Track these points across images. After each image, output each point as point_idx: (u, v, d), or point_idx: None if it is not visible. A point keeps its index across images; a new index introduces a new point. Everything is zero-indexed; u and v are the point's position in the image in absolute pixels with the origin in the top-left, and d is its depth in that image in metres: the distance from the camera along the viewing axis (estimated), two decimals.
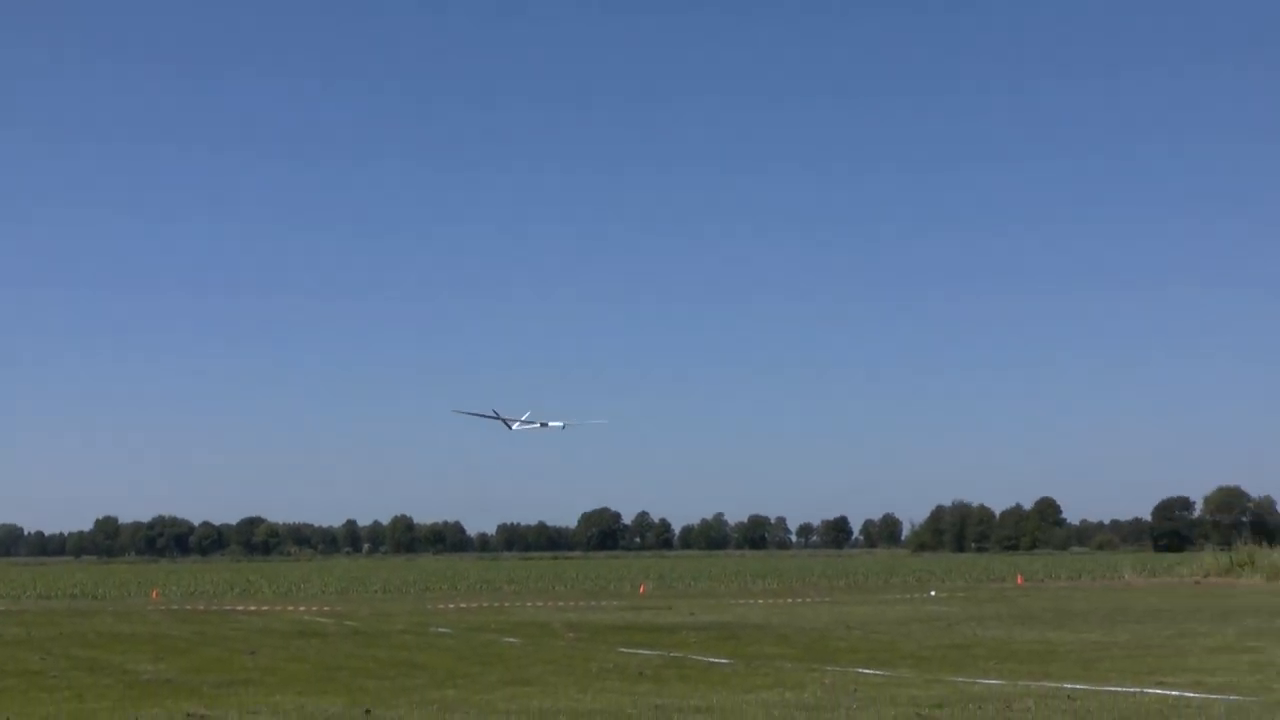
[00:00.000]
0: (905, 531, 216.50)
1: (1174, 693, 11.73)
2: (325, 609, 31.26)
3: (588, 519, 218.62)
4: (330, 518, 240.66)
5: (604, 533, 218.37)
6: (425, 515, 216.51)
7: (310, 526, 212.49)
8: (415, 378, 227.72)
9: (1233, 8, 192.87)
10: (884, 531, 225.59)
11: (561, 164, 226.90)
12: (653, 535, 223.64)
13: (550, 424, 31.29)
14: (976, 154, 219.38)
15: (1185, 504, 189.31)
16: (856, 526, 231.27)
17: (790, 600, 36.02)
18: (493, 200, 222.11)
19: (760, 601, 35.40)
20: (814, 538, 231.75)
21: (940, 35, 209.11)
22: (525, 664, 15.70)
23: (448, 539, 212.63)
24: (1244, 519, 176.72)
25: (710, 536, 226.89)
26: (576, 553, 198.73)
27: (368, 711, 11.26)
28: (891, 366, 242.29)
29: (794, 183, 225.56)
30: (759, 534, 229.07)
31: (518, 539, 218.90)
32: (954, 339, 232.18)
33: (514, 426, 32.13)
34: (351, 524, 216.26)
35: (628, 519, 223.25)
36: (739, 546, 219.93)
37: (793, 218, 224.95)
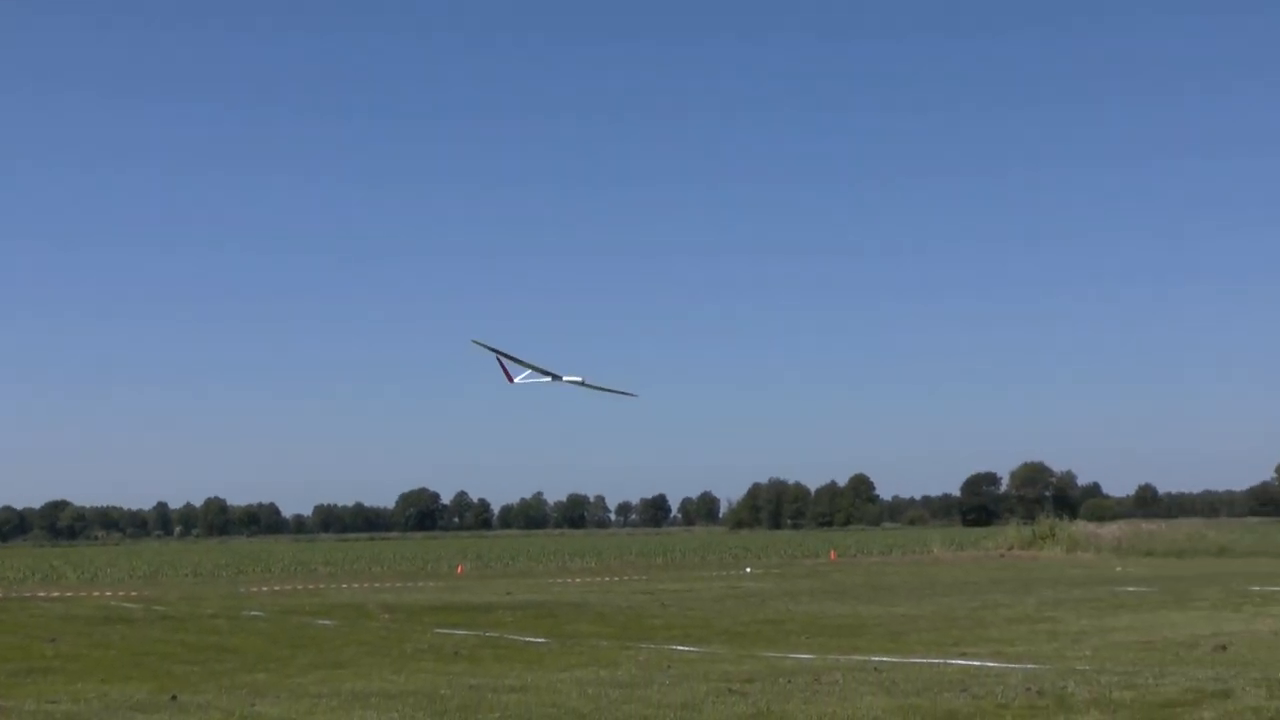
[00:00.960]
0: (723, 509, 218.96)
1: (975, 663, 12.07)
2: (133, 594, 30.52)
3: (406, 499, 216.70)
4: (140, 500, 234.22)
5: (422, 513, 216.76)
6: (239, 497, 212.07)
7: (119, 510, 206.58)
8: (228, 356, 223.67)
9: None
10: (702, 509, 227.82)
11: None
12: (472, 515, 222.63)
13: (566, 378, 28.95)
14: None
15: (992, 479, 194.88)
16: (675, 505, 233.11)
17: (608, 579, 36.21)
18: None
19: (578, 580, 35.52)
20: (633, 516, 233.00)
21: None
22: (339, 646, 15.54)
23: (262, 521, 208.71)
24: (1047, 493, 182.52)
25: (529, 516, 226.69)
26: (394, 534, 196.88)
27: (174, 697, 11.03)
28: (708, 344, 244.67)
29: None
30: (578, 513, 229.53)
31: (334, 520, 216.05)
32: (769, 316, 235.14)
33: (516, 379, 29.99)
34: (162, 506, 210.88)
35: (446, 499, 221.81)
36: (558, 526, 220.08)
37: (582, 178, 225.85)
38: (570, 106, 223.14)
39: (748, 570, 41.26)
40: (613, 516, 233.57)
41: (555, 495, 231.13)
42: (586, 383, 28.51)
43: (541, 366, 28.53)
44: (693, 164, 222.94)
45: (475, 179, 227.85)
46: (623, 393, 27.96)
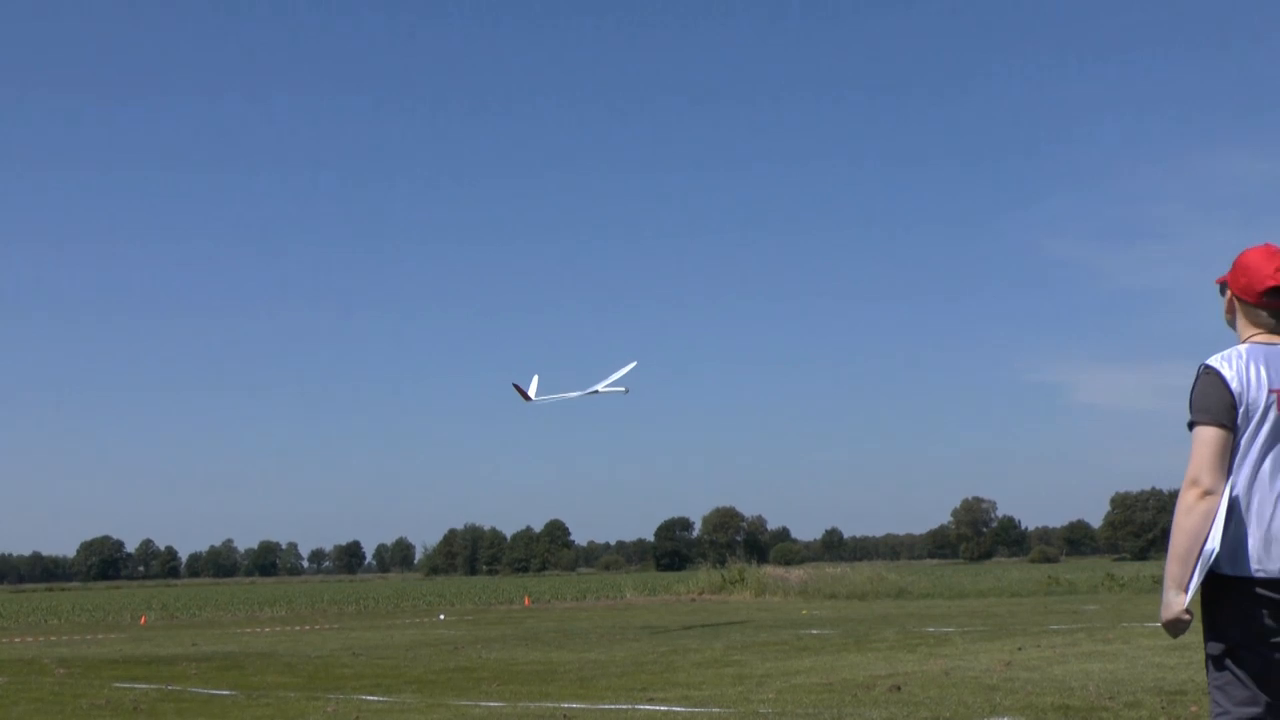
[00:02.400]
0: (419, 555, 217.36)
1: (662, 707, 12.25)
2: None
3: (87, 547, 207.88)
4: None
5: (105, 561, 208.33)
6: None
7: None
8: None
9: None
10: (397, 555, 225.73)
11: None
12: (157, 564, 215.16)
13: (602, 388, 27.13)
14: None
15: (686, 524, 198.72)
16: (370, 551, 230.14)
17: (298, 628, 35.44)
18: None
19: (268, 630, 34.65)
20: (326, 563, 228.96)
21: None
22: (8, 704, 14.77)
23: None
24: (738, 538, 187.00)
25: (218, 564, 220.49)
26: (75, 583, 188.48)
27: None
28: (400, 391, 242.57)
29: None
30: (269, 560, 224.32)
31: (10, 570, 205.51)
32: (457, 359, 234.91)
33: (534, 397, 28.09)
34: None
35: (130, 547, 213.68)
36: (249, 573, 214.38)
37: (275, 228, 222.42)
38: None
39: (441, 617, 40.98)
40: (305, 564, 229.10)
41: (246, 542, 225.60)
42: (601, 388, 27.31)
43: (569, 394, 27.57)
44: None
45: None
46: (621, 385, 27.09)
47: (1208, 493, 4.75)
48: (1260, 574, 4.75)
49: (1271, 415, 4.77)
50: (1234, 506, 4.77)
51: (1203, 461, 4.77)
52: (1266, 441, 4.79)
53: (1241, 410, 4.77)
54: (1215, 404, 4.81)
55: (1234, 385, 4.80)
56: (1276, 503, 4.77)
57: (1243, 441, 4.79)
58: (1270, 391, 4.78)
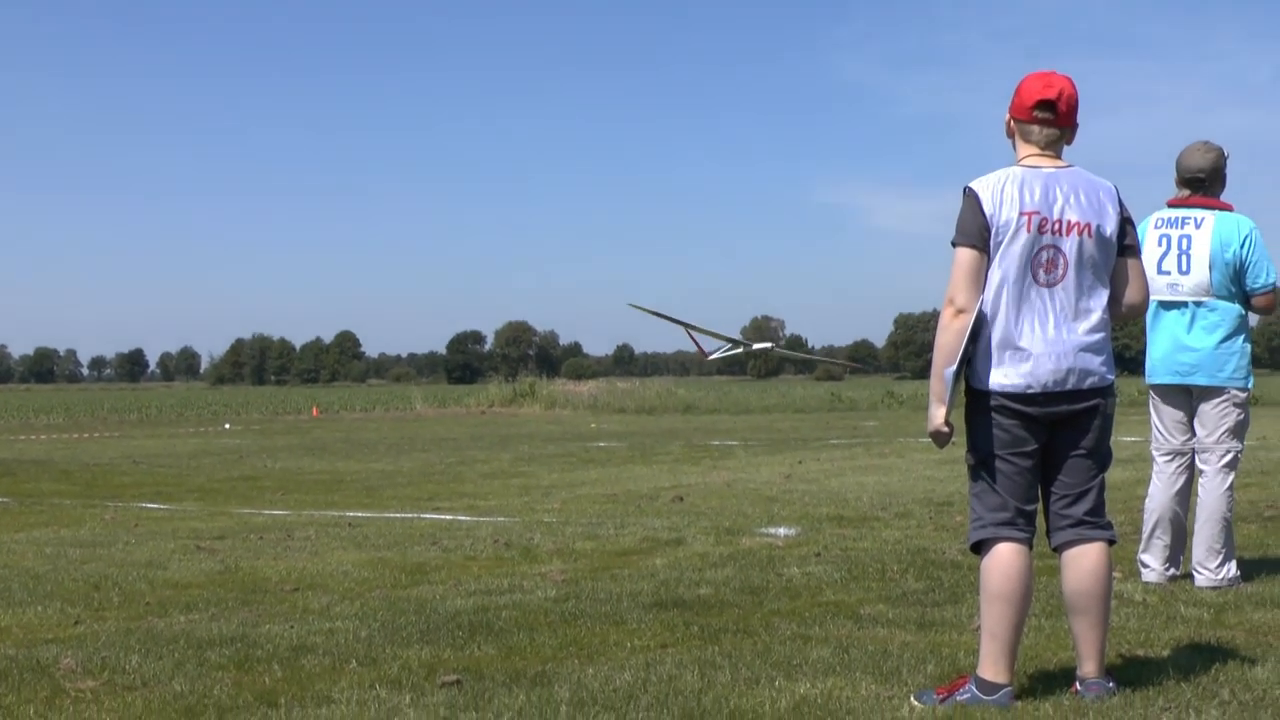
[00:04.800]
0: (204, 364, 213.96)
1: (448, 516, 12.32)
2: None
3: None
4: None
5: None
6: None
7: None
8: None
9: None
10: (182, 364, 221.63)
11: None
12: None
13: (756, 346, 25.93)
14: None
15: (477, 338, 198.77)
16: (153, 359, 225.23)
17: (77, 436, 34.67)
18: None
19: (44, 437, 33.83)
20: (108, 371, 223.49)
21: None
22: None
23: None
24: (530, 352, 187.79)
25: None
26: None
27: None
28: (187, 193, 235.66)
29: None
30: (46, 367, 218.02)
31: None
32: (252, 165, 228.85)
33: (711, 354, 26.41)
34: None
35: None
36: (24, 380, 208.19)
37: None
38: None
39: (226, 426, 40.50)
40: (85, 371, 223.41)
41: (20, 348, 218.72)
42: (777, 348, 26.45)
43: (725, 335, 26.30)
44: None
45: None
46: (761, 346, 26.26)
47: (961, 311, 4.95)
48: (1007, 388, 4.96)
49: (1021, 236, 4.94)
50: (981, 323, 4.95)
51: (957, 281, 4.97)
52: (1013, 261, 4.97)
53: (993, 231, 4.93)
54: (970, 226, 5.00)
55: (987, 208, 4.97)
56: (1020, 320, 4.97)
57: (994, 261, 4.96)
58: (1022, 214, 4.94)
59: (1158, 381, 7.71)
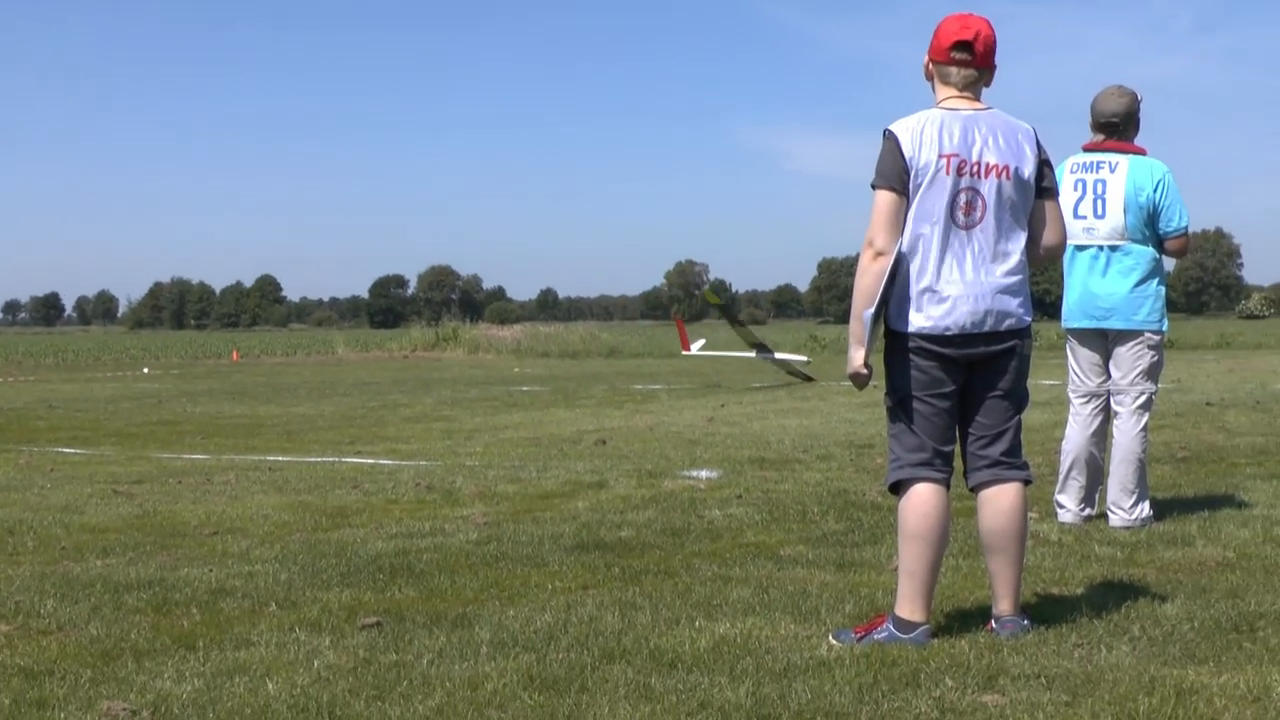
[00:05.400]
0: (123, 308, 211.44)
1: (369, 460, 12.27)
2: None
3: None
4: None
5: None
6: None
7: None
8: None
9: None
10: (99, 308, 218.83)
11: None
12: None
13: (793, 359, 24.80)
14: None
15: (400, 281, 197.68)
16: (69, 303, 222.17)
17: None
18: None
19: None
20: (22, 315, 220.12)
21: None
22: None
23: None
24: (454, 296, 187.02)
25: None
26: None
27: None
28: (105, 134, 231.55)
29: None
30: None
31: None
32: (170, 108, 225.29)
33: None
34: None
35: None
36: None
37: None
38: None
39: (145, 371, 40.06)
40: (0, 315, 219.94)
41: None
42: (777, 355, 25.04)
43: (795, 361, 25.22)
44: None
45: None
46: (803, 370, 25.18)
47: (880, 253, 4.99)
48: (925, 329, 5.00)
49: (940, 179, 4.96)
50: (900, 265, 4.97)
51: (877, 223, 5.00)
52: (932, 204, 4.99)
53: (912, 174, 4.94)
54: (889, 168, 5.02)
55: (907, 150, 4.98)
56: (939, 262, 5.00)
57: (913, 204, 4.98)
58: (941, 156, 4.95)
59: (1074, 325, 7.79)
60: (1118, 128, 7.65)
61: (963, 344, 5.02)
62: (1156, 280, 7.64)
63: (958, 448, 5.24)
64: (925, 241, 4.99)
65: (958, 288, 4.98)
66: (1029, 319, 5.15)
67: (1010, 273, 5.05)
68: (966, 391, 5.15)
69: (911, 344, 5.04)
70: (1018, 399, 5.20)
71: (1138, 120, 7.73)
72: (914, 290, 5.00)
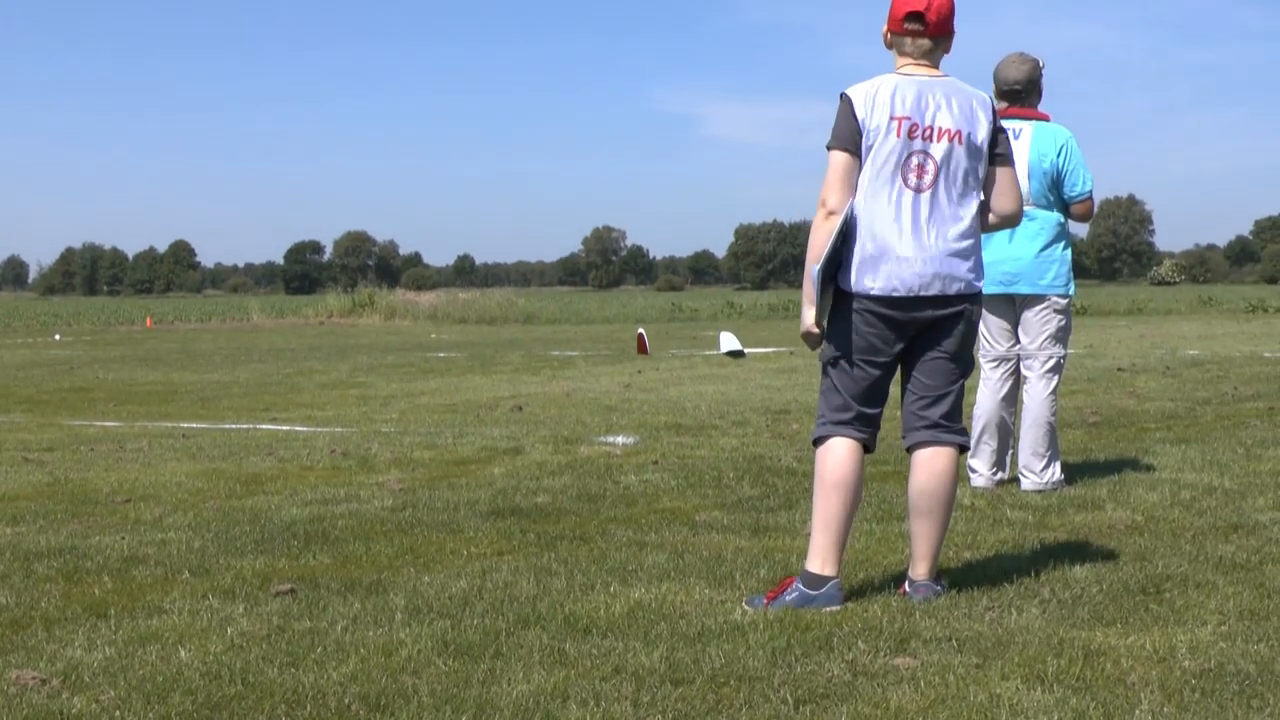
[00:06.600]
0: (33, 274, 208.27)
1: (285, 427, 12.18)
2: None
3: None
4: None
5: None
6: None
7: None
8: None
9: None
10: (9, 274, 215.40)
11: None
12: None
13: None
14: None
15: (316, 247, 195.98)
16: None
17: None
18: None
19: None
20: None
21: None
22: None
23: None
24: (370, 262, 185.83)
25: None
26: None
27: None
28: (12, 94, 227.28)
29: None
30: None
31: None
32: (83, 70, 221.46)
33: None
34: None
35: None
36: None
37: None
38: None
39: (57, 337, 39.47)
40: None
41: None
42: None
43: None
44: None
45: None
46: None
47: (832, 212, 5.05)
48: (873, 290, 5.04)
49: (891, 141, 5.01)
50: (851, 225, 5.02)
51: (830, 183, 5.06)
52: (881, 165, 5.05)
53: (864, 135, 5.00)
54: (843, 130, 5.08)
55: (860, 112, 5.04)
56: (889, 224, 5.04)
57: (865, 165, 5.03)
58: (892, 118, 5.01)
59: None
60: (1020, 95, 7.75)
61: (909, 307, 5.06)
62: (1062, 245, 7.75)
63: (887, 411, 5.29)
64: (877, 203, 5.03)
65: (908, 250, 5.02)
66: (979, 284, 5.18)
67: (961, 237, 5.09)
68: (912, 351, 5.18)
69: (857, 304, 5.06)
70: (963, 363, 5.24)
71: (1040, 87, 7.82)
72: (864, 251, 5.03)
